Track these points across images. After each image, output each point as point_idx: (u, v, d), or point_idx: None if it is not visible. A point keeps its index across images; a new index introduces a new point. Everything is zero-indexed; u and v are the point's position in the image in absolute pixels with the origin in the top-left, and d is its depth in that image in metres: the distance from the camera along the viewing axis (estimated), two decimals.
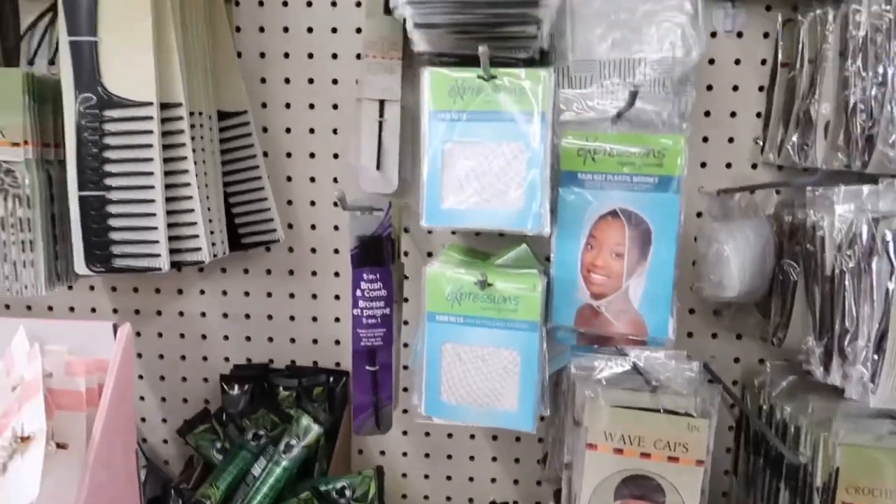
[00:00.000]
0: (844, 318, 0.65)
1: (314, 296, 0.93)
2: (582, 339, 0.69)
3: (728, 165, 0.86)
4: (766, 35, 0.83)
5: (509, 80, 0.61)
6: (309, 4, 0.85)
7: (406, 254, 0.89)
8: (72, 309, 0.96)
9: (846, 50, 0.68)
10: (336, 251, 0.91)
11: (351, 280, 0.72)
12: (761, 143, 0.84)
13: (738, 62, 0.84)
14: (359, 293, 0.72)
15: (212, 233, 0.76)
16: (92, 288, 0.95)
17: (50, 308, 0.96)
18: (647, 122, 0.70)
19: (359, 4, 0.85)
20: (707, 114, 0.85)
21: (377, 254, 0.73)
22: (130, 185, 0.67)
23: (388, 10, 0.79)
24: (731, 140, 0.85)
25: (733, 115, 0.85)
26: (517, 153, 0.61)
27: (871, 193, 0.64)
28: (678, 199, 0.62)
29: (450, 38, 0.69)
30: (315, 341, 0.94)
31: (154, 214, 0.67)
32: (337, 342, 0.94)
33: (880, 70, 0.63)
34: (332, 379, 0.91)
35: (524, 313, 0.63)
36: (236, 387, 0.89)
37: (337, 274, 0.92)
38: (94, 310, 0.96)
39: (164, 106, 0.68)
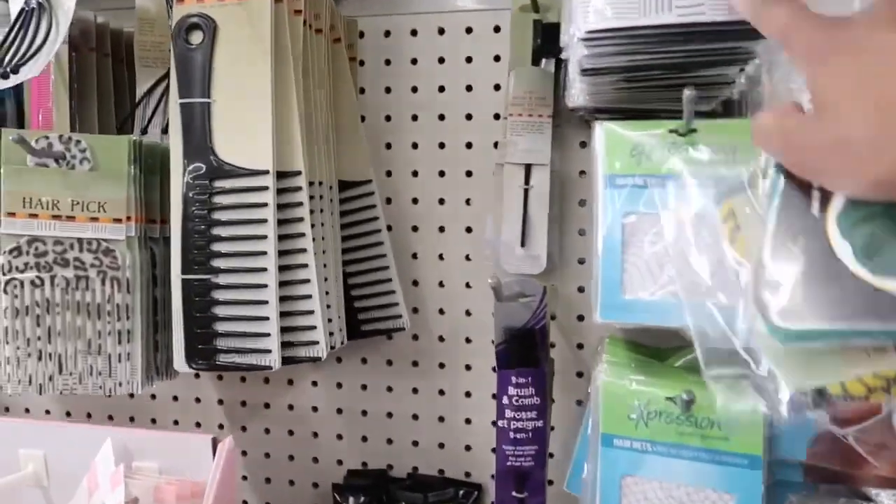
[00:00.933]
0: None
1: (441, 392, 0.79)
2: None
3: None
4: None
5: (716, 136, 0.47)
6: (441, 61, 0.75)
7: (553, 345, 0.74)
8: (175, 398, 0.87)
9: None
10: (468, 340, 0.77)
11: (496, 382, 0.58)
12: None
13: None
14: (506, 400, 0.58)
15: (330, 321, 0.65)
16: (197, 375, 0.86)
17: (153, 396, 0.87)
18: None
19: (497, 59, 0.73)
20: None
21: (529, 351, 0.59)
22: (240, 268, 0.57)
23: (536, 61, 0.67)
24: None
25: None
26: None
27: None
28: None
29: (616, 90, 0.56)
30: (441, 445, 0.80)
31: (266, 302, 0.57)
32: (467, 448, 0.79)
33: None
34: (461, 493, 0.76)
35: (741, 444, 0.46)
36: (350, 499, 0.76)
37: (469, 367, 0.78)
38: (198, 399, 0.87)
39: (281, 175, 0.58)
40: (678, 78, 0.53)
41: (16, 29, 0.56)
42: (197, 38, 0.58)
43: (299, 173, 0.59)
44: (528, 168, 0.67)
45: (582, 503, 0.53)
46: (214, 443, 0.52)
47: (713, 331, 0.44)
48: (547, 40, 0.66)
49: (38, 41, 0.54)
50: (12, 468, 0.56)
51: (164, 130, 0.74)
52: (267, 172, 0.56)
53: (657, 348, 0.62)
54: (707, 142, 0.47)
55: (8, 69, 0.53)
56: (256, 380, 0.84)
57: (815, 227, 0.35)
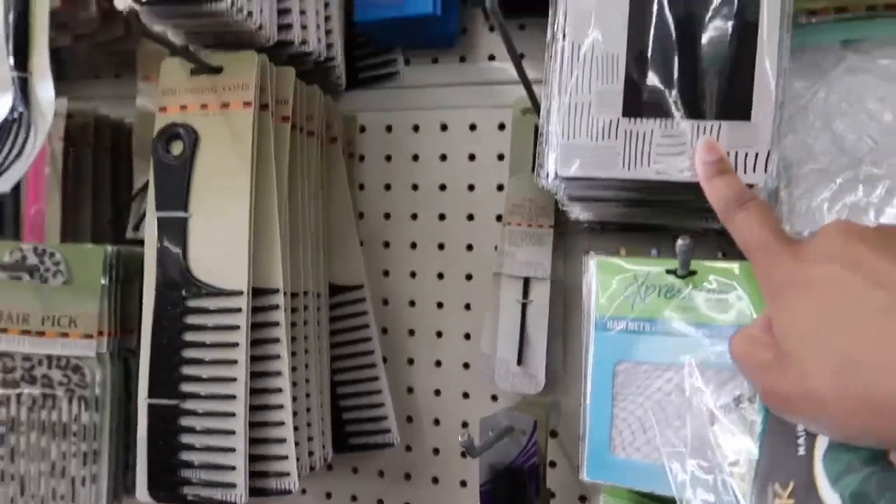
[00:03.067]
0: None
1: None
2: None
3: None
4: None
5: (715, 279, 0.42)
6: (443, 158, 0.72)
7: (553, 464, 0.68)
8: None
9: None
10: (464, 455, 0.72)
11: None
12: None
13: None
14: None
15: (310, 439, 0.60)
16: None
17: None
18: None
19: (501, 157, 0.70)
20: None
21: (516, 492, 0.53)
22: (210, 394, 0.53)
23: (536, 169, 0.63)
24: None
25: None
26: (731, 385, 0.41)
27: None
28: None
29: (610, 210, 0.52)
30: None
31: (233, 433, 0.53)
32: None
33: None
34: None
35: None
36: None
37: (464, 483, 0.72)
38: None
39: (257, 292, 0.55)
40: (671, 204, 0.48)
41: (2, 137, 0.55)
42: (177, 148, 0.56)
43: (277, 291, 0.55)
44: (526, 281, 0.63)
45: None
46: None
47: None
48: None
49: (13, 155, 0.53)
50: None
51: None
52: (241, 293, 0.53)
53: (660, 498, 0.56)
54: (706, 283, 0.42)
55: None
56: None
57: (802, 467, 0.31)
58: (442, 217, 0.73)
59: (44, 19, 0.53)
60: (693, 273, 0.42)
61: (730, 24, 0.40)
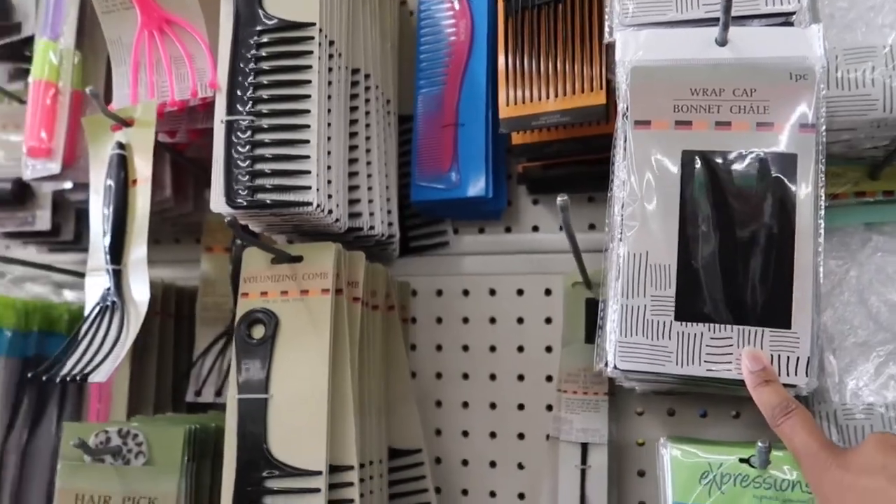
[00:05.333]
0: None
1: None
2: None
3: None
4: None
5: (790, 470, 0.45)
6: (492, 321, 0.76)
7: None
8: None
9: None
10: None
11: None
12: None
13: None
14: None
15: None
16: None
17: None
18: None
19: (549, 321, 0.74)
20: None
21: None
22: None
23: (590, 339, 0.67)
24: None
25: None
26: None
27: None
28: None
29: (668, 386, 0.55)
30: None
31: None
32: None
33: None
34: None
35: None
36: None
37: None
38: None
39: (334, 470, 0.57)
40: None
41: (86, 327, 0.59)
42: (259, 332, 0.59)
43: (352, 468, 0.57)
44: (584, 447, 0.65)
45: None
46: None
47: None
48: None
49: (108, 345, 0.56)
50: None
51: (218, 393, 0.75)
52: (320, 473, 0.55)
53: None
54: (781, 473, 0.45)
55: (77, 376, 0.54)
56: None
57: None
58: (493, 377, 0.76)
59: (144, 218, 0.58)
60: (764, 467, 0.45)
61: (769, 239, 0.45)
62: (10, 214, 0.77)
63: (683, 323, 0.45)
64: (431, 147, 0.73)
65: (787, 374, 0.44)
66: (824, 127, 0.48)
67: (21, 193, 0.76)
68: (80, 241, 0.82)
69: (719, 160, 0.47)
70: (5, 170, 0.77)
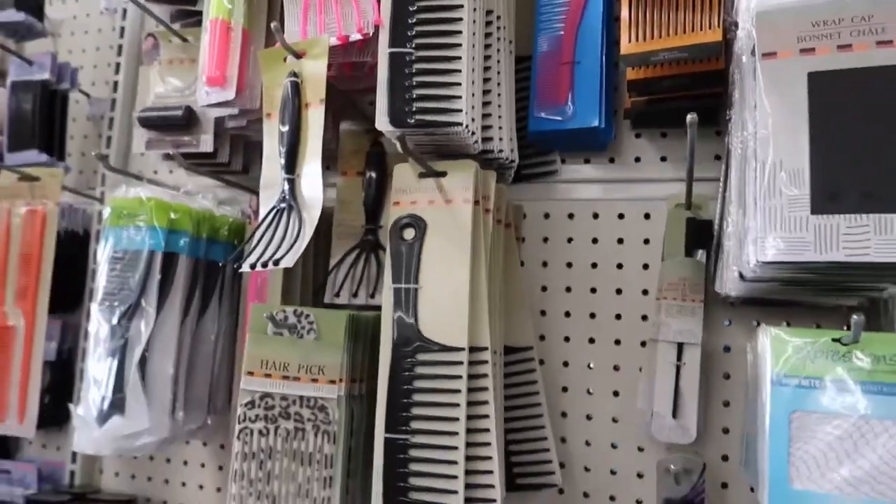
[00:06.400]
0: None
1: None
2: None
3: None
4: None
5: (880, 348, 0.54)
6: (594, 241, 0.86)
7: None
8: None
9: None
10: (612, 498, 0.83)
11: None
12: None
13: None
14: None
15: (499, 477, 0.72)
16: None
17: None
18: None
19: (647, 241, 0.83)
20: None
21: None
22: (435, 430, 0.66)
23: (689, 252, 0.76)
24: None
25: None
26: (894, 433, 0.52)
27: None
28: None
29: (776, 286, 0.64)
30: None
31: (456, 462, 0.65)
32: None
33: None
34: None
35: None
36: None
37: None
38: None
39: (472, 350, 0.68)
40: (831, 284, 0.60)
41: (264, 227, 0.71)
42: (409, 234, 0.70)
43: (486, 349, 0.68)
44: (679, 346, 0.75)
45: None
46: None
47: None
48: (699, 234, 0.76)
49: (290, 237, 0.68)
50: None
51: (354, 295, 0.87)
52: (462, 349, 0.67)
53: None
54: (869, 353, 0.54)
55: (266, 262, 0.66)
56: None
57: None
58: (593, 290, 0.86)
59: (317, 136, 0.69)
60: (856, 341, 0.54)
61: (893, 139, 0.52)
62: (177, 138, 0.90)
63: (819, 216, 0.53)
64: (549, 83, 0.82)
65: None
66: None
67: (189, 119, 0.88)
68: (231, 164, 0.94)
69: (844, 77, 0.54)
70: (175, 99, 0.90)
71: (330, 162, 0.94)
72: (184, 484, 1.04)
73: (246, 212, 0.93)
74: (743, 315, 0.78)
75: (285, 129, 0.71)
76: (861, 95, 0.53)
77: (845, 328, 0.74)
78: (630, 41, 0.71)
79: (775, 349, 0.56)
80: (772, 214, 0.54)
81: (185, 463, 1.04)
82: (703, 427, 0.78)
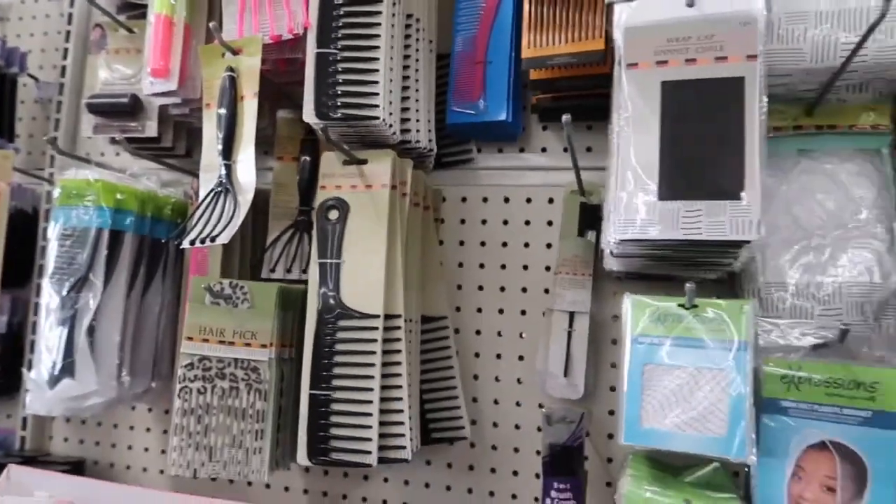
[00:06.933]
0: None
1: (492, 493, 0.95)
2: None
3: None
4: None
5: (711, 311, 0.65)
6: (505, 223, 0.96)
7: (586, 458, 0.90)
8: (267, 486, 1.04)
9: None
10: (516, 450, 0.94)
11: (542, 487, 0.75)
12: None
13: None
14: (548, 502, 0.74)
15: (411, 429, 0.82)
16: (288, 468, 1.03)
17: (248, 483, 1.04)
18: (846, 351, 0.70)
19: (550, 223, 0.94)
20: None
21: (569, 464, 0.75)
22: (353, 387, 0.76)
23: (581, 233, 0.87)
24: None
25: None
26: (719, 380, 0.64)
27: None
28: None
29: (641, 264, 0.75)
30: None
31: (370, 415, 0.75)
32: None
33: None
34: None
35: None
36: None
37: (516, 473, 0.94)
38: (286, 489, 1.03)
39: (387, 317, 0.77)
40: (686, 260, 0.72)
41: (203, 207, 0.79)
42: (334, 215, 0.79)
43: (400, 316, 0.78)
44: (571, 315, 0.86)
45: None
46: None
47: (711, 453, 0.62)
48: (590, 217, 0.87)
49: (226, 216, 0.76)
50: None
51: (288, 270, 0.95)
52: (378, 317, 0.76)
53: (675, 466, 0.78)
54: (704, 313, 0.65)
55: (204, 239, 0.75)
56: (337, 473, 1.01)
57: None
58: (503, 267, 0.96)
59: (251, 125, 0.77)
60: (696, 306, 0.65)
61: (726, 137, 0.63)
62: (123, 123, 0.96)
63: (665, 201, 0.64)
64: (464, 80, 0.91)
65: (744, 233, 0.62)
66: (762, 57, 0.66)
67: (135, 106, 0.95)
68: (174, 149, 1.01)
69: (689, 86, 0.65)
70: (121, 87, 0.96)
71: (268, 147, 1.02)
72: (130, 447, 1.11)
73: (188, 193, 1.00)
74: (628, 288, 0.88)
75: (223, 119, 0.79)
76: (701, 101, 0.64)
77: (716, 296, 0.86)
78: (529, 47, 0.81)
79: (635, 313, 0.68)
80: (628, 200, 0.64)
81: (132, 428, 1.11)
82: (592, 385, 0.89)
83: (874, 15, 0.66)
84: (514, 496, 0.94)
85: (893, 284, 0.76)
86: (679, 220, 0.63)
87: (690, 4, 0.66)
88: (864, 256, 0.77)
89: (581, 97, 0.89)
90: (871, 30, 0.64)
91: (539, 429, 0.92)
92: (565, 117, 0.65)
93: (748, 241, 0.62)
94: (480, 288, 0.97)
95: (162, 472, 1.08)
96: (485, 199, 0.98)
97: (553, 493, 0.74)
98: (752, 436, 0.62)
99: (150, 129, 0.96)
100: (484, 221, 0.98)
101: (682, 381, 0.65)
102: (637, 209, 0.64)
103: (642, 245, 0.66)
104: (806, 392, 0.64)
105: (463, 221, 0.98)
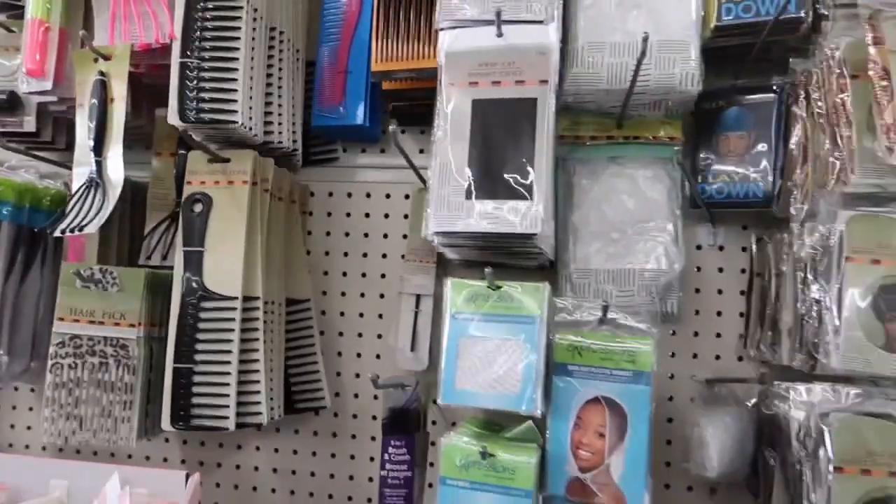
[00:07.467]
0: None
1: (352, 457, 1.06)
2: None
3: (717, 357, 0.98)
4: (743, 249, 0.98)
5: (513, 292, 0.78)
6: (367, 215, 1.07)
7: (434, 423, 1.02)
8: (147, 458, 1.12)
9: (796, 271, 0.83)
10: (374, 418, 1.05)
11: (381, 444, 0.86)
12: (744, 340, 0.97)
13: (720, 270, 0.99)
14: (386, 457, 0.86)
15: (271, 399, 0.92)
16: (167, 440, 1.11)
17: (129, 456, 1.12)
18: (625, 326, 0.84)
19: (406, 216, 1.06)
20: (697, 312, 0.99)
21: (405, 424, 0.88)
22: (213, 361, 0.85)
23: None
24: (718, 335, 0.99)
25: (719, 314, 0.99)
26: (516, 349, 0.77)
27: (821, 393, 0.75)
28: (649, 391, 0.76)
29: (468, 252, 0.88)
30: (350, 498, 1.06)
31: (228, 384, 0.85)
32: (369, 500, 1.05)
33: (815, 294, 0.77)
34: None
35: (520, 482, 0.75)
36: None
37: (374, 438, 1.05)
38: (165, 459, 1.12)
39: (246, 299, 0.87)
40: (501, 250, 0.85)
41: (77, 196, 0.86)
42: (198, 207, 0.88)
43: (258, 298, 0.88)
44: (418, 297, 0.98)
45: None
46: (187, 477, 0.78)
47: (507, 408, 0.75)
48: None
49: (95, 208, 0.84)
50: (42, 494, 0.81)
51: (164, 257, 1.03)
52: (237, 298, 0.86)
53: (500, 425, 0.91)
54: (508, 295, 0.78)
55: (74, 229, 0.82)
56: (213, 444, 1.10)
57: None
58: (364, 255, 1.07)
59: (120, 125, 0.85)
60: (500, 287, 0.78)
61: (521, 147, 0.76)
62: (2, 118, 1.01)
63: (470, 200, 0.76)
64: (328, 87, 1.01)
65: (530, 227, 0.75)
66: (556, 82, 0.79)
67: (13, 102, 1.00)
68: (55, 143, 1.07)
69: (493, 104, 0.78)
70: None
71: (147, 143, 1.10)
72: (12, 426, 1.16)
73: (69, 184, 1.06)
74: (465, 274, 1.02)
75: (93, 119, 0.86)
76: (503, 118, 0.77)
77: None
78: (377, 61, 0.92)
79: (453, 293, 0.80)
80: (441, 198, 0.77)
81: (14, 407, 1.16)
82: (436, 357, 1.01)
83: (651, 49, 0.81)
84: (371, 458, 1.06)
85: (676, 271, 0.92)
86: (482, 216, 0.76)
87: (499, 35, 0.79)
88: (654, 247, 0.93)
89: (427, 106, 1.01)
90: (638, 63, 0.78)
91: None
92: (392, 126, 0.76)
93: (535, 234, 0.75)
94: (344, 274, 1.08)
95: (45, 448, 1.13)
96: (349, 195, 1.08)
97: (391, 450, 0.86)
98: (541, 393, 0.75)
99: (29, 124, 1.01)
100: (348, 214, 1.08)
101: (488, 350, 0.78)
102: (449, 206, 0.77)
103: (454, 237, 0.78)
104: (586, 357, 0.78)
105: (329, 214, 1.09)
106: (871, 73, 0.66)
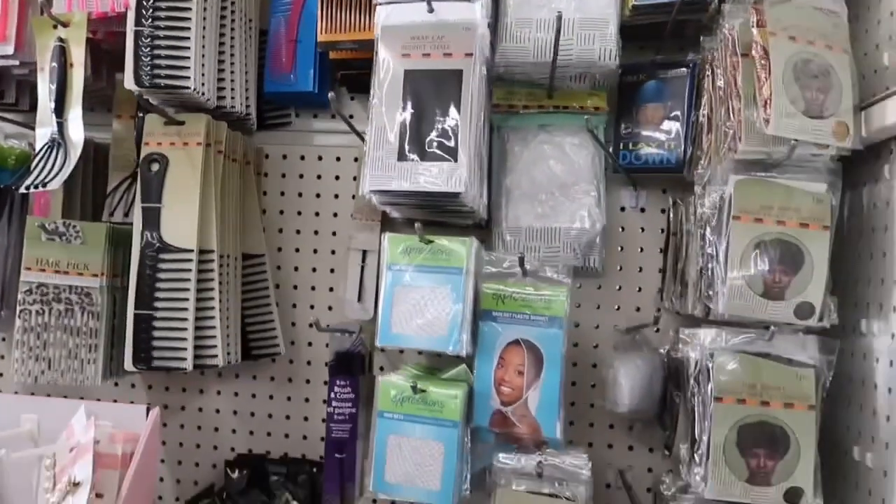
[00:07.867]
0: (694, 433, 0.85)
1: (307, 399, 1.15)
2: (498, 439, 0.90)
3: (637, 309, 1.08)
4: (662, 211, 1.08)
5: (442, 245, 0.87)
6: (318, 177, 1.15)
7: (382, 368, 1.12)
8: (115, 401, 1.19)
9: (697, 229, 0.93)
10: (326, 364, 1.14)
11: (328, 385, 0.95)
12: (661, 293, 1.07)
13: (642, 230, 1.09)
14: (332, 395, 0.95)
15: (228, 345, 1.01)
16: (133, 385, 1.19)
17: (98, 399, 1.20)
18: (545, 277, 0.93)
19: (355, 178, 1.13)
20: (620, 268, 1.09)
21: (349, 366, 0.97)
22: (171, 307, 0.93)
23: None
24: (639, 289, 1.08)
25: (641, 269, 1.09)
26: (445, 296, 0.86)
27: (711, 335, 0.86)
28: (562, 335, 0.85)
29: (406, 210, 0.96)
30: (304, 437, 1.15)
31: (185, 329, 0.93)
32: (322, 439, 1.15)
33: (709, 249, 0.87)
34: (315, 469, 1.11)
35: (448, 414, 0.85)
36: (237, 472, 1.10)
37: (326, 383, 1.14)
38: (132, 402, 1.19)
39: (202, 251, 0.95)
40: (435, 208, 0.93)
41: (41, 155, 0.92)
42: (155, 167, 0.95)
43: (213, 251, 0.96)
44: (364, 253, 1.06)
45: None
46: (147, 410, 0.87)
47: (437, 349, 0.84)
48: None
49: (58, 166, 0.90)
50: (14, 427, 0.89)
51: (126, 214, 1.10)
52: (192, 251, 0.93)
53: (438, 369, 1.00)
54: (438, 249, 0.87)
55: (38, 185, 0.88)
56: (177, 389, 1.18)
57: None
58: (317, 214, 1.15)
59: (79, 88, 0.91)
60: (431, 241, 0.87)
61: (447, 112, 0.84)
62: None
63: (402, 161, 0.84)
64: (279, 55, 1.08)
65: (454, 187, 0.83)
66: (486, 55, 0.87)
67: None
68: (18, 104, 1.12)
69: (423, 74, 0.85)
70: None
71: (109, 105, 1.15)
72: None
73: (33, 144, 1.12)
74: (408, 232, 1.11)
75: (54, 82, 0.92)
76: (432, 87, 0.85)
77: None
78: (323, 32, 0.99)
79: (390, 247, 0.88)
80: (375, 160, 0.85)
81: None
82: None
83: (573, 25, 0.89)
84: (324, 401, 1.14)
85: (598, 230, 1.01)
86: (412, 176, 0.84)
87: (430, 11, 0.86)
88: (578, 209, 1.02)
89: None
90: (557, 38, 0.86)
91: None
92: (331, 94, 0.84)
93: (459, 193, 0.83)
94: (298, 231, 1.15)
95: (17, 392, 1.21)
96: (302, 157, 1.15)
97: (336, 389, 0.95)
98: (467, 336, 0.84)
99: None
100: (301, 175, 1.15)
101: (420, 297, 0.86)
102: (383, 167, 0.84)
103: (388, 195, 0.86)
104: (509, 305, 0.88)
105: (283, 175, 1.16)
106: (753, 53, 0.75)
